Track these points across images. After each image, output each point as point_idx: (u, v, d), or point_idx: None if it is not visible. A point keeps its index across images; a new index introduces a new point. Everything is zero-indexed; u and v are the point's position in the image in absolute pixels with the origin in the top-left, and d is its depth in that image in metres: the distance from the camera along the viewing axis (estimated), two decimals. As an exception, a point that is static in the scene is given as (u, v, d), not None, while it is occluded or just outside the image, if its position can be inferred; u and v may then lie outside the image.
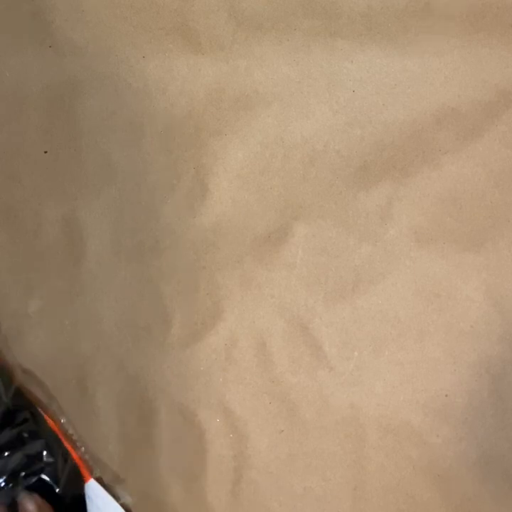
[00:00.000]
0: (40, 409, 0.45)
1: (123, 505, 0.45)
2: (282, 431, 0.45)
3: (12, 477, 0.43)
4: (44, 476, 0.44)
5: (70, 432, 0.45)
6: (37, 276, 0.47)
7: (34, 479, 0.44)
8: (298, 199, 0.46)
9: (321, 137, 0.46)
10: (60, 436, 0.45)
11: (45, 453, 0.44)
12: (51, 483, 0.44)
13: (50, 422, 0.45)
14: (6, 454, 0.44)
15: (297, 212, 0.46)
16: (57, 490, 0.44)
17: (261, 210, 0.46)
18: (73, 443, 0.45)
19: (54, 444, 0.44)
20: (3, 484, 0.43)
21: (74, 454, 0.45)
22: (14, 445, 0.44)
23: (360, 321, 0.45)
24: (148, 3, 0.46)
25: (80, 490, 0.45)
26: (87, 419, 0.46)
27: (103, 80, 0.47)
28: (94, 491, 0.45)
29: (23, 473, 0.44)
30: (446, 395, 0.44)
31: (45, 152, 0.47)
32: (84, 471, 0.45)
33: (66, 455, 0.45)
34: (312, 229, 0.45)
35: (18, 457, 0.44)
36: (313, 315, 0.45)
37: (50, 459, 0.44)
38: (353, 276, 0.45)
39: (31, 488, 0.43)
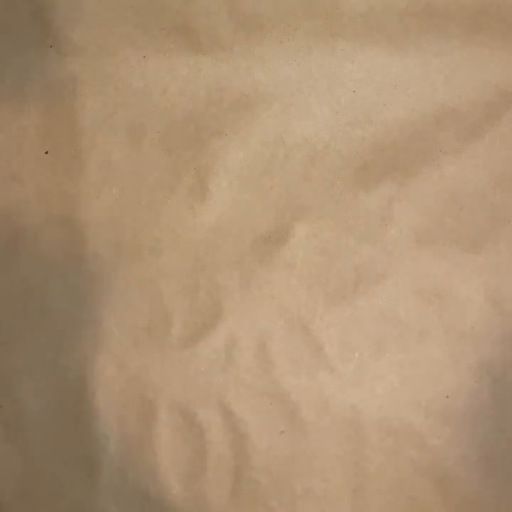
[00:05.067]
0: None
1: None
2: (283, 431, 0.45)
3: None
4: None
5: None
6: (37, 277, 0.46)
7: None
8: (298, 199, 0.46)
9: (322, 137, 0.46)
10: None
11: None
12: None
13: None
14: None
15: (298, 212, 0.46)
16: None
17: (261, 211, 0.46)
18: None
19: None
20: None
21: None
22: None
23: (361, 322, 0.45)
24: (149, 3, 0.46)
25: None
26: (87, 419, 0.45)
27: (103, 80, 0.47)
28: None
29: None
30: (446, 397, 0.44)
31: (46, 152, 0.47)
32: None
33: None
34: (313, 229, 0.45)
35: None
36: (313, 315, 0.45)
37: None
38: (353, 276, 0.45)
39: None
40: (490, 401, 0.44)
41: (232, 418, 0.45)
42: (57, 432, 0.46)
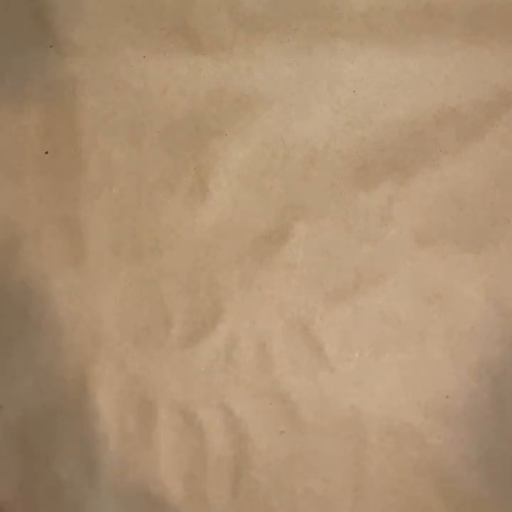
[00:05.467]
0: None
1: None
2: (283, 431, 0.45)
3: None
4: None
5: None
6: (37, 277, 0.46)
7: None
8: (298, 199, 0.46)
9: (322, 137, 0.46)
10: None
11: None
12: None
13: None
14: None
15: (298, 212, 0.46)
16: None
17: (261, 210, 0.46)
18: None
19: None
20: None
21: None
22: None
23: (361, 322, 0.45)
24: (149, 3, 0.46)
25: None
26: (87, 419, 0.45)
27: (103, 80, 0.47)
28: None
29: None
30: (446, 397, 0.44)
31: (46, 152, 0.47)
32: None
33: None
34: (312, 229, 0.45)
35: None
36: (313, 315, 0.45)
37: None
38: (353, 276, 0.45)
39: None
40: (490, 401, 0.44)
41: (232, 418, 0.45)
42: (57, 431, 0.46)
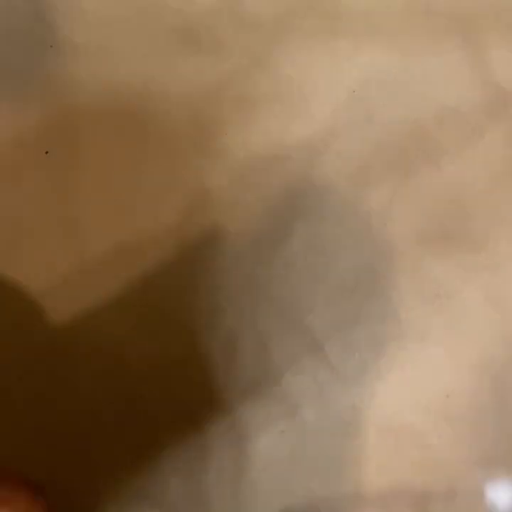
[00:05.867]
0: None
1: None
2: (283, 431, 0.45)
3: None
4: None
5: None
6: (37, 278, 0.46)
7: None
8: (298, 199, 0.46)
9: (322, 137, 0.46)
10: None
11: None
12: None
13: None
14: None
15: (297, 212, 0.46)
16: None
17: (261, 210, 0.46)
18: None
19: None
20: None
21: None
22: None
23: (361, 322, 0.45)
24: (150, 3, 0.46)
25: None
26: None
27: (103, 80, 0.47)
28: None
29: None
30: (447, 396, 0.44)
31: (46, 152, 0.47)
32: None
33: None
34: (312, 229, 0.45)
35: None
36: (313, 315, 0.45)
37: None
38: (353, 276, 0.45)
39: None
40: (490, 400, 0.44)
41: (232, 418, 0.45)
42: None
